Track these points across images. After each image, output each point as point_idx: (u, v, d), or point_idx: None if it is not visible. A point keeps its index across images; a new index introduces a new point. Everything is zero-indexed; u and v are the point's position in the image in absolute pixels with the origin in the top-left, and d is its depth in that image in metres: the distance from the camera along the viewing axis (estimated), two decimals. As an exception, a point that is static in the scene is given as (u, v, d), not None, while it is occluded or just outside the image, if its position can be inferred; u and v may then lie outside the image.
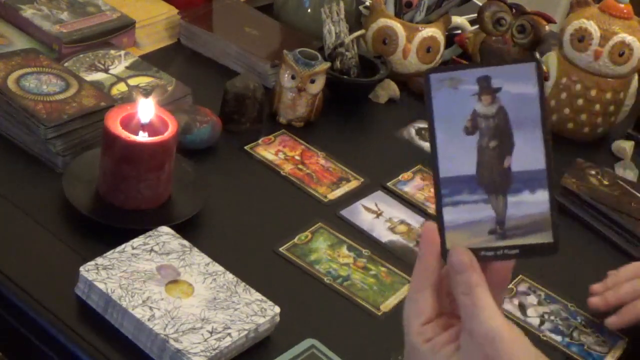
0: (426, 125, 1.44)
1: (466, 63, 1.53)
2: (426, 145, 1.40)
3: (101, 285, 0.92)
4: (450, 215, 0.66)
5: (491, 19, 1.55)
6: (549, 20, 1.55)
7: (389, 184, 1.28)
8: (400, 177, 1.30)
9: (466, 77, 0.65)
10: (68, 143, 1.12)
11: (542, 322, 1.12)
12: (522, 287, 1.16)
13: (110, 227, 1.03)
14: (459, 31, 1.63)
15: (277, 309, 0.96)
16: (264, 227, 1.14)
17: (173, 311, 0.91)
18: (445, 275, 0.68)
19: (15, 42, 1.28)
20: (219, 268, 0.99)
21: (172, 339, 0.88)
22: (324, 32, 1.41)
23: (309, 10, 1.53)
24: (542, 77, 0.65)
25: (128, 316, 0.90)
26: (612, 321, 1.10)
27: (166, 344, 0.88)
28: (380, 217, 1.21)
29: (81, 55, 1.29)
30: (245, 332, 0.92)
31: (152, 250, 0.98)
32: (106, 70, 1.28)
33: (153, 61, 1.34)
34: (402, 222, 1.21)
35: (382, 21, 1.49)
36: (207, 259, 0.99)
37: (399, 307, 1.07)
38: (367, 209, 1.22)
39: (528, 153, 0.65)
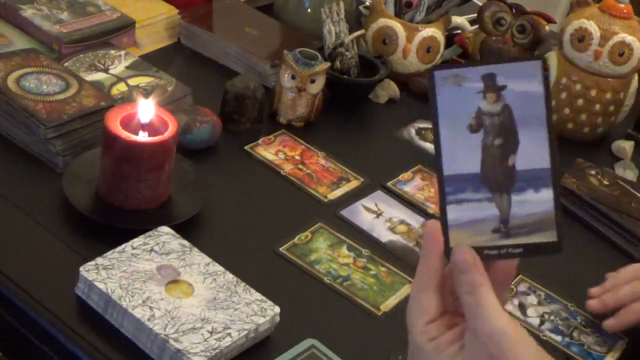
0: (426, 125, 1.45)
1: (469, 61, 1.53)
2: (426, 145, 1.40)
3: (101, 285, 0.92)
4: (454, 213, 0.66)
5: (491, 19, 1.55)
6: (549, 20, 1.55)
7: (389, 184, 1.28)
8: (400, 177, 1.30)
9: (471, 75, 0.65)
10: (68, 143, 1.12)
11: (542, 322, 1.12)
12: (522, 287, 1.16)
13: (110, 227, 1.03)
14: (459, 31, 1.63)
15: (277, 309, 0.96)
16: (264, 227, 1.14)
17: (173, 311, 0.91)
18: (448, 273, 0.67)
19: (15, 42, 1.28)
20: (219, 268, 0.99)
21: (172, 339, 0.88)
22: (324, 32, 1.41)
23: (309, 10, 1.53)
24: (548, 75, 0.65)
25: (128, 316, 0.90)
26: (610, 324, 1.10)
27: (166, 344, 0.88)
28: (380, 217, 1.21)
29: (81, 55, 1.29)
30: (245, 332, 0.92)
31: (152, 250, 0.98)
32: (106, 70, 1.28)
33: (153, 61, 1.34)
34: (402, 222, 1.21)
35: (382, 21, 1.49)
36: (207, 259, 0.99)
37: (399, 307, 1.07)
38: (367, 209, 1.22)
39: (533, 151, 0.65)
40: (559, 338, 1.10)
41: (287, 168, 1.25)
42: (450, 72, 0.65)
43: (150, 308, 0.91)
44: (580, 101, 1.47)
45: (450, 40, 1.60)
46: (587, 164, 1.40)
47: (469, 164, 0.66)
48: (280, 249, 1.10)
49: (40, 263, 0.99)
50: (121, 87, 1.25)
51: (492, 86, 0.65)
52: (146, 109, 1.05)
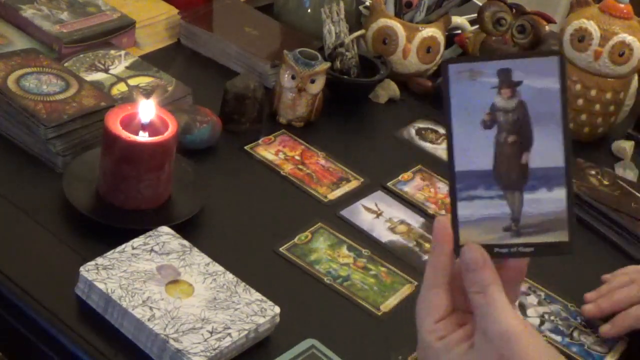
0: (426, 125, 1.45)
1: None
2: (426, 145, 1.40)
3: (101, 285, 0.92)
4: (464, 210, 0.65)
5: (491, 19, 1.55)
6: (549, 20, 1.55)
7: (389, 184, 1.28)
8: (400, 177, 1.30)
9: (486, 69, 0.64)
10: (68, 143, 1.12)
11: (542, 322, 1.12)
12: (522, 287, 1.16)
13: (110, 227, 1.03)
14: (459, 31, 1.63)
15: (277, 309, 0.96)
16: (264, 227, 1.14)
17: (173, 311, 0.91)
18: (458, 270, 0.67)
19: (15, 42, 1.28)
20: (219, 268, 0.99)
21: (172, 339, 0.88)
22: (324, 32, 1.41)
23: (309, 10, 1.53)
24: (566, 72, 0.63)
25: (128, 316, 0.90)
26: (605, 330, 1.10)
27: (166, 344, 0.88)
28: (380, 217, 1.21)
29: (81, 55, 1.29)
30: (245, 332, 0.92)
31: (152, 250, 0.98)
32: (106, 70, 1.28)
33: (153, 61, 1.34)
34: (402, 222, 1.21)
35: (382, 21, 1.49)
36: (207, 259, 0.99)
37: (399, 307, 1.07)
38: (367, 209, 1.22)
39: (547, 150, 0.64)
40: (559, 338, 1.10)
41: (287, 168, 1.25)
42: (464, 65, 0.64)
43: (150, 308, 0.91)
44: (580, 101, 1.47)
45: (450, 40, 1.60)
46: (587, 164, 1.40)
47: (481, 161, 0.65)
48: (280, 249, 1.10)
49: (40, 263, 0.99)
50: (121, 87, 1.25)
51: (507, 82, 0.63)
52: (147, 109, 1.05)
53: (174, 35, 1.47)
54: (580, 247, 1.26)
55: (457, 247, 0.66)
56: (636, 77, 1.51)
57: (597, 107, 1.47)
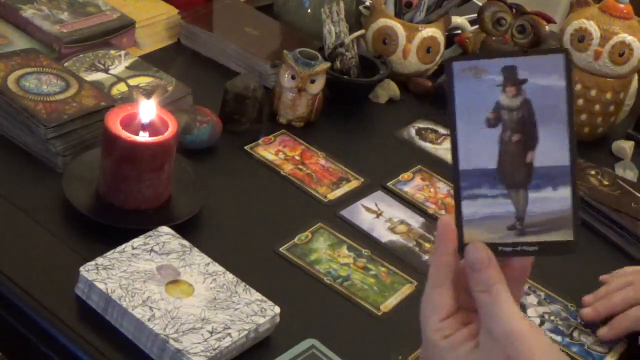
0: (426, 125, 1.45)
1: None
2: (426, 145, 1.40)
3: (101, 285, 0.92)
4: (468, 208, 0.65)
5: (491, 19, 1.55)
6: (549, 20, 1.55)
7: (389, 184, 1.28)
8: (400, 177, 1.30)
9: (490, 67, 0.63)
10: (68, 143, 1.12)
11: (542, 322, 1.12)
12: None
13: (110, 227, 1.03)
14: (459, 31, 1.63)
15: (277, 309, 0.96)
16: (264, 227, 1.14)
17: (173, 311, 0.91)
18: (462, 269, 0.67)
19: (15, 42, 1.28)
20: (219, 268, 0.99)
21: (172, 339, 0.88)
22: (324, 32, 1.41)
23: (309, 10, 1.53)
24: (571, 69, 0.62)
25: (128, 316, 0.90)
26: (603, 333, 1.10)
27: (166, 344, 0.88)
28: (380, 217, 1.21)
29: (81, 55, 1.29)
30: (245, 332, 0.92)
31: (152, 250, 0.98)
32: (106, 70, 1.28)
33: (153, 61, 1.34)
34: (402, 222, 1.21)
35: (382, 21, 1.49)
36: (207, 259, 0.99)
37: (399, 307, 1.07)
38: (367, 209, 1.22)
39: (552, 149, 0.63)
40: (559, 338, 1.10)
41: (287, 168, 1.25)
42: (469, 63, 0.64)
43: (150, 308, 0.91)
44: (580, 101, 1.47)
45: (450, 40, 1.60)
46: (587, 164, 1.40)
47: (485, 159, 0.64)
48: (280, 249, 1.10)
49: (40, 263, 0.99)
50: (121, 87, 1.25)
51: (512, 79, 0.63)
52: (148, 110, 1.05)
53: (174, 35, 1.46)
54: (580, 247, 1.26)
55: (461, 246, 0.66)
56: (636, 77, 1.51)
57: (597, 107, 1.47)
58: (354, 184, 1.26)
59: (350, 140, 1.37)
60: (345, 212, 1.20)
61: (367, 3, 1.63)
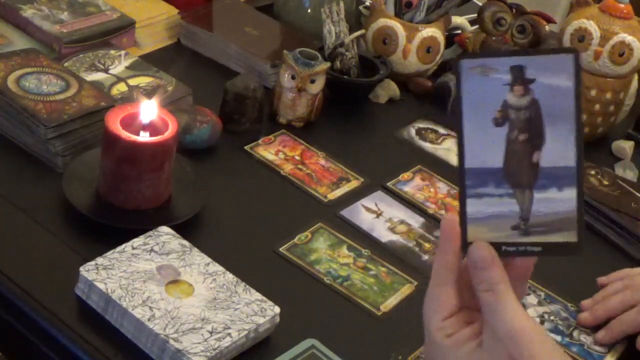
0: (426, 125, 1.45)
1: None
2: (426, 145, 1.40)
3: (101, 285, 0.92)
4: (473, 207, 0.65)
5: (491, 19, 1.55)
6: (549, 20, 1.55)
7: (389, 184, 1.28)
8: (400, 177, 1.30)
9: (499, 66, 0.63)
10: (68, 143, 1.12)
11: (542, 322, 1.12)
12: (522, 287, 1.16)
13: (110, 227, 1.03)
14: (459, 31, 1.63)
15: (277, 309, 0.96)
16: (264, 227, 1.14)
17: (173, 311, 0.91)
18: (465, 268, 0.66)
19: (15, 42, 1.28)
20: (219, 268, 0.99)
21: (172, 339, 0.88)
22: (324, 32, 1.41)
23: (309, 10, 1.53)
24: (580, 70, 0.62)
25: (128, 316, 0.90)
26: (600, 336, 1.10)
27: (166, 344, 0.88)
28: (380, 217, 1.21)
29: (81, 55, 1.29)
30: (245, 332, 0.92)
31: (152, 250, 0.98)
32: (106, 70, 1.28)
33: (153, 61, 1.34)
34: (402, 222, 1.21)
35: (382, 21, 1.49)
36: (207, 259, 0.99)
37: (399, 307, 1.07)
38: (367, 209, 1.22)
39: (559, 149, 0.63)
40: (558, 338, 1.10)
41: (287, 168, 1.25)
42: (477, 61, 0.63)
43: (150, 308, 0.91)
44: (580, 101, 1.47)
45: (450, 40, 1.60)
46: (587, 164, 1.40)
47: (491, 158, 0.64)
48: (280, 249, 1.10)
49: (40, 263, 0.99)
50: (121, 87, 1.25)
51: (520, 79, 0.63)
52: (149, 110, 1.05)
53: (174, 35, 1.46)
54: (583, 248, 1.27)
55: (465, 244, 0.65)
56: (636, 77, 1.51)
57: (597, 107, 1.47)
58: (354, 184, 1.26)
59: (350, 140, 1.37)
60: (345, 212, 1.20)
61: (367, 3, 1.63)
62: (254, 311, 0.95)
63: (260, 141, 1.29)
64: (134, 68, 1.30)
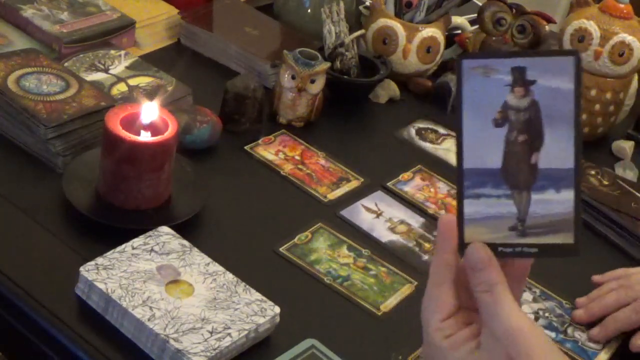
0: (426, 125, 1.45)
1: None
2: (426, 145, 1.40)
3: (101, 285, 0.92)
4: (470, 207, 0.65)
5: (491, 19, 1.55)
6: (549, 20, 1.55)
7: (389, 184, 1.28)
8: (400, 177, 1.30)
9: (500, 67, 0.63)
10: (68, 143, 1.12)
11: (536, 319, 1.12)
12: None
13: (110, 227, 1.03)
14: (459, 31, 1.63)
15: (277, 309, 0.96)
16: (264, 227, 1.14)
17: (173, 311, 0.91)
18: (462, 268, 0.66)
19: (15, 42, 1.28)
20: (219, 268, 0.99)
21: (172, 339, 0.88)
22: (324, 32, 1.41)
23: (309, 10, 1.53)
24: (581, 72, 0.62)
25: (128, 316, 0.90)
26: (595, 333, 1.10)
27: (166, 344, 0.88)
28: (380, 217, 1.21)
29: (81, 55, 1.29)
30: (245, 332, 0.92)
31: (152, 250, 0.98)
32: (106, 70, 1.28)
33: (153, 61, 1.34)
34: (402, 222, 1.21)
35: (382, 21, 1.49)
36: (207, 259, 0.99)
37: (399, 307, 1.07)
38: (367, 209, 1.22)
39: (557, 151, 0.63)
40: (553, 334, 1.10)
41: (287, 168, 1.25)
42: (478, 61, 0.63)
43: (150, 308, 0.91)
44: (580, 101, 1.47)
45: (450, 40, 1.60)
46: (587, 164, 1.40)
47: (490, 159, 0.64)
48: (280, 249, 1.10)
49: (40, 263, 0.99)
50: (121, 87, 1.25)
51: (521, 80, 0.63)
52: (150, 111, 1.05)
53: (174, 35, 1.47)
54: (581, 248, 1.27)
55: (462, 245, 0.65)
56: (636, 77, 1.51)
57: (597, 107, 1.47)
58: (354, 184, 1.26)
59: (350, 140, 1.37)
60: (345, 212, 1.20)
61: (367, 3, 1.63)
62: (254, 311, 0.95)
63: (260, 141, 1.29)
64: (134, 68, 1.30)
